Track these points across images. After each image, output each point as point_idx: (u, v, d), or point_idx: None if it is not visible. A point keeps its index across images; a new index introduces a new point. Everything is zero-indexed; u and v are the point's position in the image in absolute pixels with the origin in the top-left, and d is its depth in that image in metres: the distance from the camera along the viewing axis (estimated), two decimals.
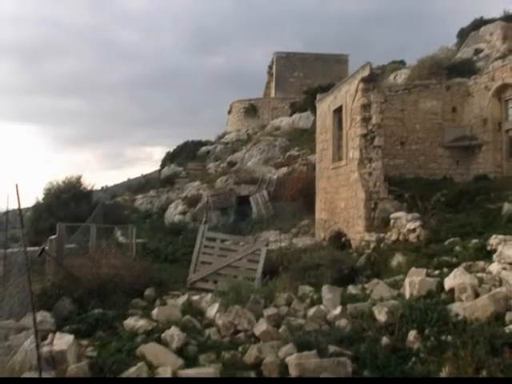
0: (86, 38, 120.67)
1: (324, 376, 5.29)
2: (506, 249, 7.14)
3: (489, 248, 8.00)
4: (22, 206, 5.55)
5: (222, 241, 12.43)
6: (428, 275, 7.36)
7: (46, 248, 8.59)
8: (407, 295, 6.94)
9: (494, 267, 7.12)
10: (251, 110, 32.97)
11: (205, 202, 21.47)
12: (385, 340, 5.88)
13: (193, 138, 32.31)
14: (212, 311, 7.30)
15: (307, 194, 17.30)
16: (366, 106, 11.90)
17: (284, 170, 22.19)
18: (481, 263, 7.55)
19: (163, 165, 30.64)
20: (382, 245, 10.36)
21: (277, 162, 23.66)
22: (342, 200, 13.12)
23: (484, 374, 4.88)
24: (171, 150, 32.20)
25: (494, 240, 8.00)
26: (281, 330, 6.46)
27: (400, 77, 22.58)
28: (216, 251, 11.91)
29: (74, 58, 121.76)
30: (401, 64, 27.13)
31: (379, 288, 7.67)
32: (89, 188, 20.02)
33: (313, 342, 5.84)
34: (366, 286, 8.21)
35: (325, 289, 7.84)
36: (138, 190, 27.75)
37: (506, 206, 10.35)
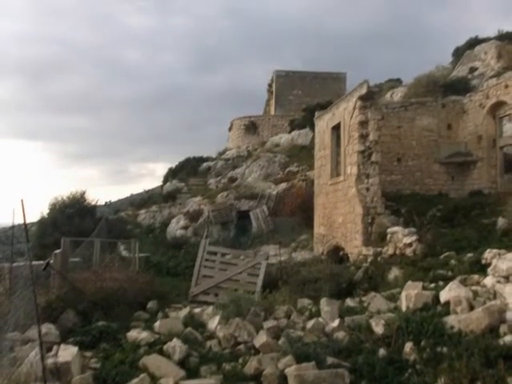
0: (90, 57, 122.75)
1: None
2: (501, 262, 7.22)
3: (483, 262, 8.10)
4: (28, 221, 5.71)
5: (223, 255, 12.60)
6: (424, 288, 7.44)
7: (51, 262, 8.73)
8: (404, 308, 7.03)
9: (489, 280, 7.21)
10: (251, 127, 33.30)
11: (206, 216, 21.66)
12: (382, 352, 5.96)
13: (194, 155, 32.52)
14: (213, 323, 7.40)
15: (306, 209, 17.47)
16: (363, 123, 12.15)
17: (283, 185, 22.40)
18: (476, 276, 7.65)
19: (165, 180, 30.86)
20: (379, 259, 10.47)
21: (276, 178, 23.90)
22: (340, 215, 13.30)
23: None
24: (173, 166, 32.41)
25: (488, 254, 8.10)
26: (280, 342, 6.53)
27: (397, 95, 23.01)
28: (217, 265, 12.06)
29: (78, 76, 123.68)
30: (397, 82, 27.64)
31: (376, 301, 7.74)
32: (93, 203, 20.06)
33: (311, 354, 5.90)
34: (364, 298, 8.28)
35: (323, 302, 7.90)
36: (141, 205, 27.86)
37: (501, 221, 10.49)
